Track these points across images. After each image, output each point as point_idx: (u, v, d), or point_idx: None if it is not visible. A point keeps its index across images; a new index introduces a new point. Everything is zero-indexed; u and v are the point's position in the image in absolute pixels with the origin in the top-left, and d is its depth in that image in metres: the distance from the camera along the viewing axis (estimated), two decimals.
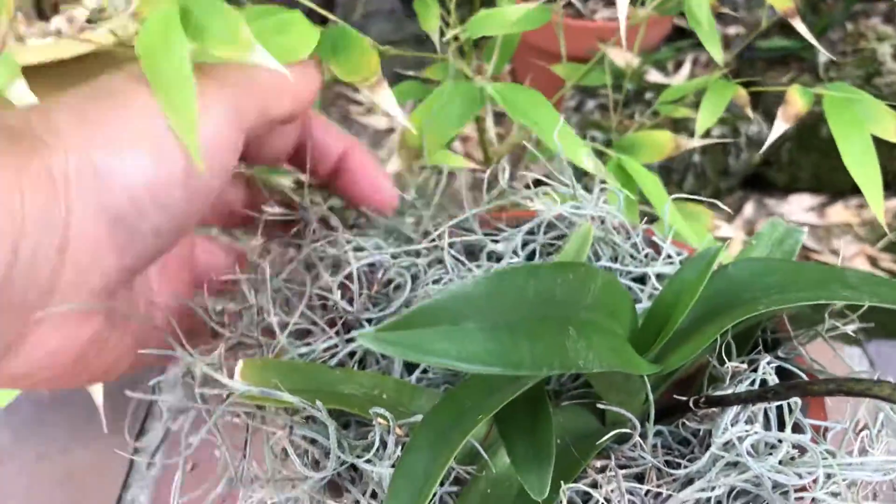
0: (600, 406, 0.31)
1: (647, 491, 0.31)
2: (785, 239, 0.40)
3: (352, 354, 0.36)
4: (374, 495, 0.30)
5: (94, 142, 0.26)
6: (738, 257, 0.36)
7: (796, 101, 0.54)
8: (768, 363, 0.32)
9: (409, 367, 0.36)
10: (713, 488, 0.30)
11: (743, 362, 0.33)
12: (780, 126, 0.53)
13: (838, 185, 0.96)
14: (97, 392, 0.52)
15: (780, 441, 0.30)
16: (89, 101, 0.27)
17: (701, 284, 0.31)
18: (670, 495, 0.30)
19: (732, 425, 0.31)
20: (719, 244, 0.31)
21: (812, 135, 0.92)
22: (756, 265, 0.34)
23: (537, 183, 0.40)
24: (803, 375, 0.35)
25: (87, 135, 0.26)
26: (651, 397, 0.32)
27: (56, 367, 0.28)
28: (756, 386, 0.33)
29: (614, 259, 0.39)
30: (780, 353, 0.37)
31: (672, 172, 0.94)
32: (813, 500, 0.31)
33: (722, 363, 0.33)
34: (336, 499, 0.30)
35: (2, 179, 0.23)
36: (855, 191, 0.96)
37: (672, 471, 0.31)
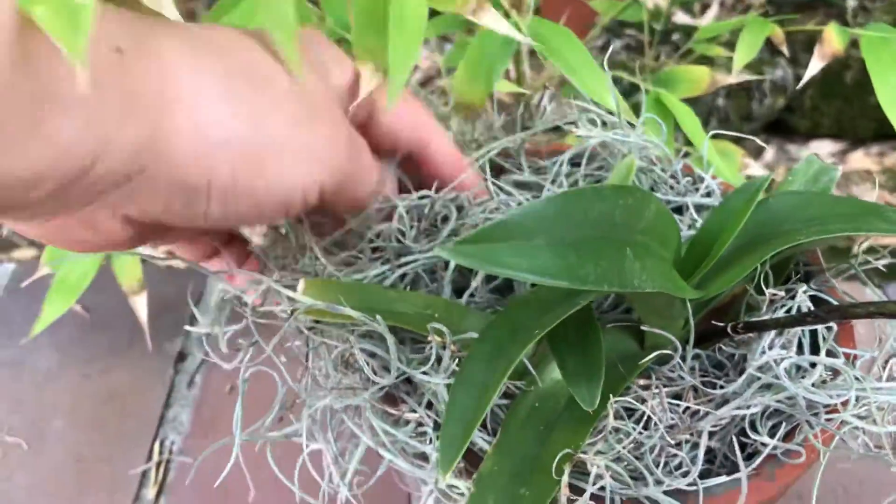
0: (643, 328, 0.33)
1: (686, 408, 0.33)
2: (820, 176, 0.41)
3: (402, 278, 0.37)
4: (429, 405, 0.32)
5: (215, 125, 0.27)
6: (775, 192, 0.37)
7: (832, 39, 0.54)
8: (804, 292, 0.33)
9: (458, 291, 0.38)
10: (749, 407, 0.32)
11: (782, 291, 0.34)
12: (816, 65, 0.54)
13: (860, 133, 0.97)
14: (142, 309, 0.54)
15: (813, 365, 0.32)
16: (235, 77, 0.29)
17: (746, 214, 0.32)
18: (707, 412, 0.32)
19: (769, 349, 0.33)
20: (766, 175, 0.33)
21: (836, 81, 0.92)
22: (795, 198, 0.35)
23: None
24: (829, 298, 0.36)
25: (216, 114, 0.27)
26: (692, 322, 0.33)
27: (60, 242, 0.30)
28: (792, 313, 0.34)
29: (654, 189, 0.40)
30: (812, 285, 0.38)
31: (696, 116, 0.94)
32: (842, 421, 0.33)
33: (759, 292, 0.34)
34: (393, 408, 0.32)
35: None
36: (876, 138, 0.97)
37: (709, 390, 0.33)
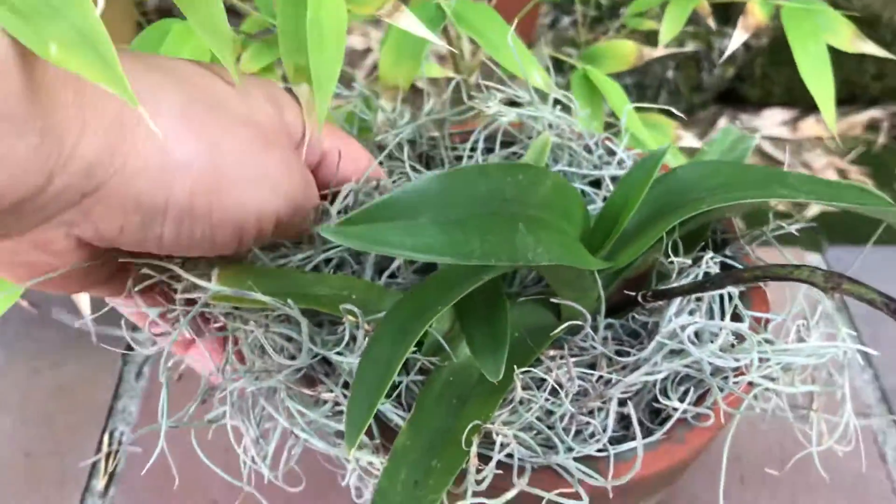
0: (554, 301, 0.34)
1: (600, 377, 0.33)
2: (737, 145, 0.42)
3: (328, 263, 0.38)
4: (345, 385, 0.33)
5: (176, 142, 0.28)
6: (685, 164, 0.38)
7: (755, 11, 0.55)
8: (712, 258, 0.34)
9: (380, 272, 0.38)
10: (657, 373, 0.32)
11: (689, 260, 0.35)
12: (740, 36, 0.55)
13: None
14: (85, 303, 0.53)
15: (720, 329, 0.33)
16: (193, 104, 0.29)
17: (647, 183, 0.33)
18: (619, 380, 0.33)
19: (677, 316, 0.33)
20: (664, 146, 0.33)
21: (785, 49, 0.93)
22: (703, 168, 0.35)
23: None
24: (739, 265, 0.37)
25: (175, 130, 0.28)
26: (602, 293, 0.34)
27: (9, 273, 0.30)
28: (697, 280, 0.35)
29: (571, 164, 0.41)
30: (727, 252, 0.39)
31: (646, 89, 0.95)
32: (750, 383, 0.34)
33: (670, 261, 0.35)
34: (311, 389, 0.32)
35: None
36: None
37: (620, 359, 0.34)
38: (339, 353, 0.32)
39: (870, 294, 0.25)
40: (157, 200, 0.28)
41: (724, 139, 0.42)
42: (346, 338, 0.32)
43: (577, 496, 0.30)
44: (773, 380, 0.34)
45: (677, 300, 0.34)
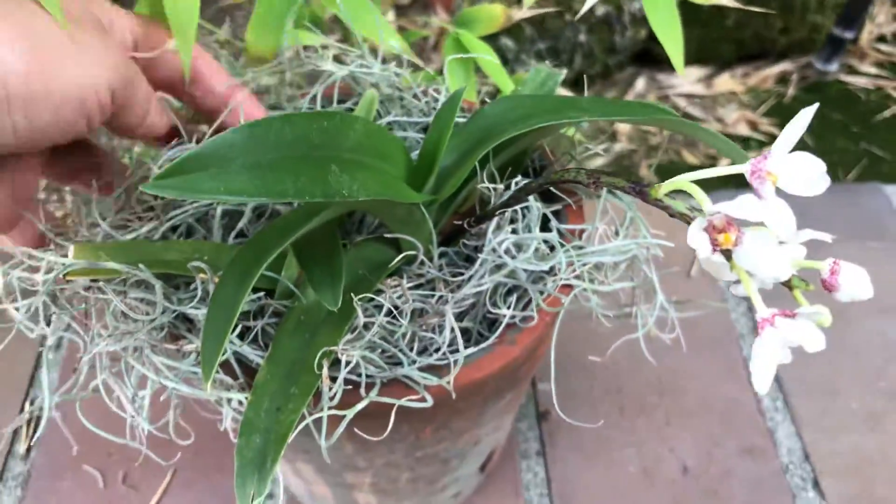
0: (388, 236, 0.38)
1: (438, 297, 0.38)
2: (546, 81, 0.47)
3: (175, 231, 0.41)
4: None
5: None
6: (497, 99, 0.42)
7: None
8: (518, 182, 0.38)
9: (226, 233, 0.41)
10: (482, 285, 0.37)
11: (505, 186, 0.40)
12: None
13: (723, 56, 1.01)
14: None
15: (531, 241, 0.37)
16: None
17: (451, 118, 0.37)
18: (451, 296, 0.37)
19: (495, 235, 0.38)
20: (463, 86, 0.37)
21: (694, 8, 0.96)
22: (507, 102, 0.40)
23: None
24: (562, 195, 0.42)
25: None
26: (431, 224, 0.38)
27: None
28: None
29: (402, 114, 0.45)
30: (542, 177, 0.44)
31: (560, 53, 0.97)
32: (569, 286, 0.38)
33: (488, 190, 0.39)
34: (175, 343, 0.36)
35: None
36: (740, 60, 1.02)
37: (454, 279, 0.38)
38: (194, 308, 0.35)
39: (620, 182, 0.29)
40: None
41: (536, 77, 0.47)
42: (199, 294, 0.35)
43: (422, 400, 0.34)
44: (590, 281, 0.39)
45: (494, 221, 0.38)
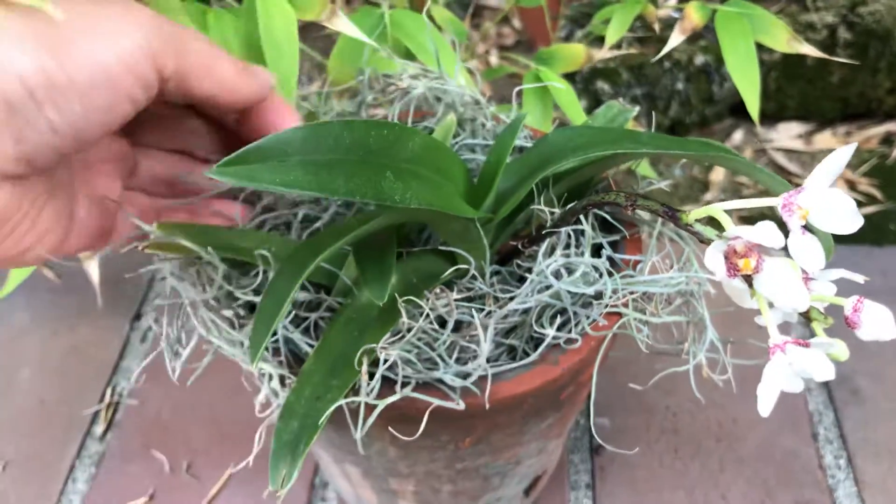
0: (443, 248, 0.40)
1: (482, 309, 0.39)
2: (617, 117, 0.48)
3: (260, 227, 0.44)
4: None
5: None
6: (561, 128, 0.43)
7: (692, 15, 0.60)
8: (575, 209, 0.39)
9: (302, 234, 0.44)
10: (527, 303, 0.38)
11: (562, 212, 0.41)
12: (677, 38, 0.59)
13: (826, 114, 0.99)
14: (94, 272, 0.61)
15: (579, 265, 0.38)
16: None
17: (511, 143, 0.39)
18: (495, 310, 0.38)
19: (545, 258, 0.39)
20: (524, 112, 0.39)
21: (798, 63, 0.95)
22: (570, 131, 0.41)
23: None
24: (618, 224, 0.43)
25: None
26: (486, 243, 0.40)
27: None
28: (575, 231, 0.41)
29: (474, 134, 0.47)
30: (606, 208, 0.45)
31: (656, 100, 0.97)
32: (618, 314, 0.39)
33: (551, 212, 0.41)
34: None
35: None
36: (844, 118, 1.01)
37: (502, 296, 0.40)
38: (256, 293, 0.38)
39: (654, 205, 0.30)
40: (16, 91, 0.27)
41: (607, 113, 0.48)
42: (260, 277, 0.38)
43: (454, 403, 0.36)
44: (640, 311, 0.40)
45: (546, 243, 0.39)
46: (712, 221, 0.29)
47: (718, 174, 0.95)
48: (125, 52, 0.29)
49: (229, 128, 0.41)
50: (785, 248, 0.27)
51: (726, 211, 0.28)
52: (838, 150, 0.27)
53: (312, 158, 0.31)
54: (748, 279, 0.26)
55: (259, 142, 0.29)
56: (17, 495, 0.59)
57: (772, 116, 1.02)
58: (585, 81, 0.96)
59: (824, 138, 1.00)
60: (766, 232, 0.25)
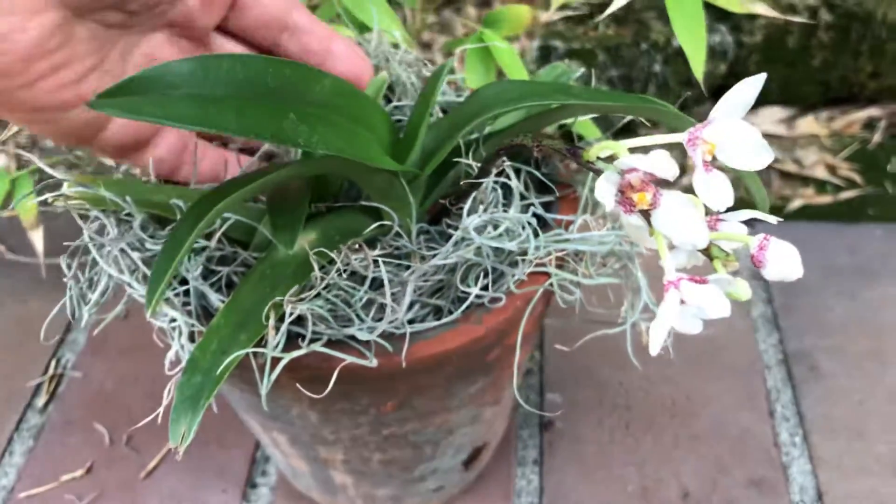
0: (365, 204, 0.38)
1: (408, 267, 0.37)
2: (560, 77, 0.47)
3: None
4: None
5: None
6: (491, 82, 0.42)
7: None
8: (489, 157, 0.38)
9: None
10: (449, 259, 0.36)
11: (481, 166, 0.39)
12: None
13: (807, 98, 0.98)
14: (38, 241, 0.61)
15: (503, 220, 0.37)
16: None
17: (434, 94, 0.37)
18: (417, 267, 0.37)
19: (468, 214, 0.38)
20: (448, 60, 0.37)
21: (779, 46, 0.93)
22: (501, 86, 0.39)
23: None
24: (549, 182, 0.41)
25: None
26: (412, 199, 0.38)
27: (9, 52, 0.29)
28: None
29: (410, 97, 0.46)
30: (543, 169, 0.43)
31: (633, 82, 0.96)
32: (547, 274, 0.38)
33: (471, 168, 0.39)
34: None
35: None
36: (825, 103, 0.99)
37: (427, 253, 0.38)
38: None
39: (558, 145, 0.29)
40: None
41: (551, 73, 0.47)
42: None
43: (365, 359, 0.34)
44: (573, 273, 0.38)
45: (470, 199, 0.38)
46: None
47: None
48: None
49: None
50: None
51: (632, 149, 0.26)
52: (746, 80, 0.25)
53: (201, 92, 0.29)
54: (646, 215, 0.25)
55: (142, 72, 0.28)
56: None
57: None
58: (560, 60, 0.95)
59: (806, 123, 0.98)
60: (659, 161, 0.23)
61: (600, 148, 0.26)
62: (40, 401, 0.61)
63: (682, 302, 0.23)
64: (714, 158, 0.26)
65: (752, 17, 0.56)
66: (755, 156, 0.25)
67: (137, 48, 0.34)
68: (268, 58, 0.31)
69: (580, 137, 0.44)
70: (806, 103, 0.99)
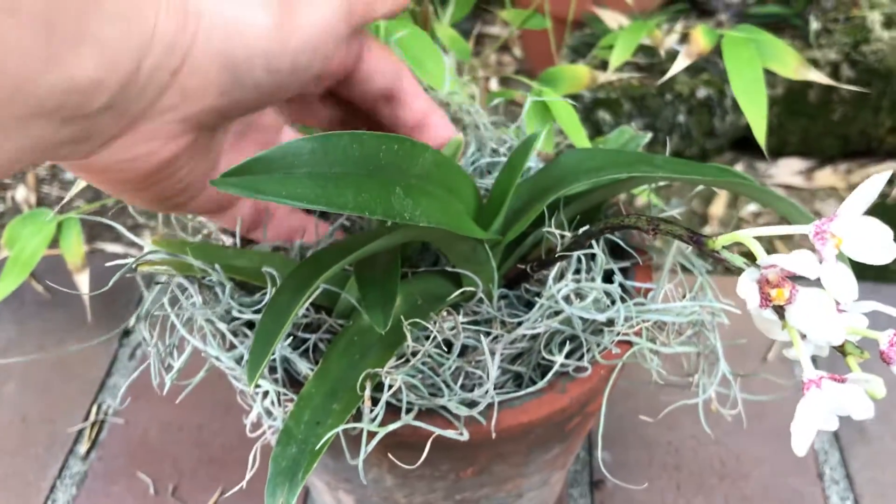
0: (449, 269, 0.38)
1: (489, 333, 0.38)
2: (629, 143, 0.47)
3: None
4: None
5: None
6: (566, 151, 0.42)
7: (699, 39, 0.59)
8: (590, 232, 0.38)
9: (302, 254, 0.43)
10: (536, 328, 0.37)
11: (574, 236, 0.39)
12: (683, 61, 0.58)
13: (826, 150, 0.99)
14: (84, 284, 0.60)
15: (591, 290, 0.37)
16: None
17: (522, 165, 0.37)
18: (503, 335, 0.37)
19: (556, 283, 0.38)
20: (537, 131, 0.38)
21: (800, 100, 0.95)
22: (582, 153, 0.40)
23: None
24: (628, 246, 0.41)
25: None
26: (494, 265, 0.39)
27: (129, 172, 0.31)
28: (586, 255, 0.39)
29: (480, 152, 0.46)
30: (617, 233, 0.43)
31: (657, 132, 0.97)
32: (629, 343, 0.38)
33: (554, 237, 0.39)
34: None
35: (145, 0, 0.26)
36: (844, 156, 1.00)
37: (510, 320, 0.38)
38: (255, 312, 0.36)
39: (678, 230, 0.29)
40: (239, 52, 0.29)
41: (619, 138, 0.47)
42: (269, 295, 0.36)
43: (458, 432, 0.34)
44: (651, 341, 0.38)
45: (556, 267, 0.38)
46: (741, 250, 0.28)
47: (718, 207, 0.94)
48: (328, 16, 0.31)
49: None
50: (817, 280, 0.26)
51: (757, 237, 0.26)
52: (873, 177, 0.25)
53: (320, 171, 0.29)
54: (779, 310, 0.25)
55: (265, 152, 0.28)
56: None
57: (773, 152, 1.01)
58: (587, 111, 0.95)
59: (825, 175, 0.99)
60: (802, 260, 0.23)
61: (727, 239, 0.27)
62: (83, 447, 0.61)
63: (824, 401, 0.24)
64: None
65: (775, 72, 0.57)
66: (881, 250, 0.26)
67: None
68: (381, 135, 0.32)
69: (653, 204, 0.44)
70: (825, 156, 1.01)
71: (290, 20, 0.30)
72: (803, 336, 0.25)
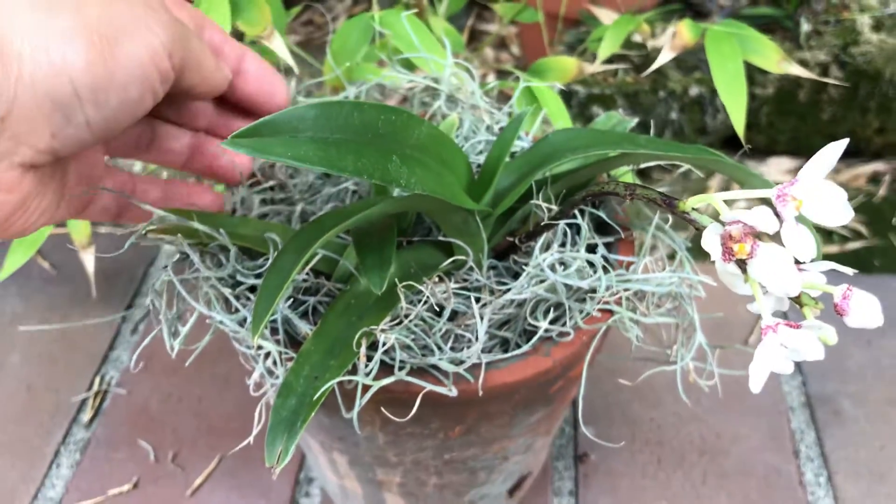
0: (442, 239, 0.40)
1: (478, 300, 0.40)
2: (616, 126, 0.49)
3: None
4: None
5: (50, 30, 0.28)
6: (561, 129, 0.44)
7: (684, 33, 0.61)
8: (573, 201, 0.40)
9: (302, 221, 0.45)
10: (522, 294, 0.39)
11: (552, 205, 0.42)
12: (667, 55, 0.60)
13: (816, 150, 0.98)
14: (89, 262, 0.62)
15: (574, 259, 0.39)
16: None
17: (512, 140, 0.40)
18: (491, 300, 0.39)
19: (541, 251, 0.40)
20: (527, 109, 0.40)
21: (790, 99, 0.97)
22: (570, 133, 0.42)
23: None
24: (613, 223, 0.44)
25: (44, 21, 0.28)
26: (485, 236, 0.41)
27: None
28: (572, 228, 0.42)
29: (474, 132, 0.48)
30: (602, 210, 0.46)
31: (650, 129, 0.99)
32: (610, 311, 0.40)
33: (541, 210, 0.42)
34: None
35: None
36: None
37: (498, 287, 0.40)
38: (257, 275, 0.39)
39: (653, 194, 0.31)
40: (64, 89, 0.29)
41: (607, 122, 0.49)
42: (272, 259, 0.39)
43: (447, 388, 0.36)
44: (631, 310, 0.41)
45: (542, 238, 0.40)
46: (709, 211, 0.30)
47: (711, 192, 0.96)
48: (154, 49, 0.31)
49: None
50: (777, 239, 0.28)
51: (725, 201, 0.29)
52: (830, 145, 0.28)
53: (323, 136, 0.32)
54: (742, 264, 0.27)
55: (272, 116, 0.30)
56: (1, 478, 0.59)
57: (763, 151, 1.03)
58: (581, 106, 0.97)
59: None
60: (762, 216, 0.26)
61: (697, 200, 0.29)
62: (86, 416, 0.63)
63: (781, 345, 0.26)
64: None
65: (765, 71, 0.59)
66: (839, 212, 0.28)
67: None
68: (380, 105, 0.34)
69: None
70: (813, 154, 1.02)
71: (111, 55, 0.29)
72: (764, 290, 0.27)
